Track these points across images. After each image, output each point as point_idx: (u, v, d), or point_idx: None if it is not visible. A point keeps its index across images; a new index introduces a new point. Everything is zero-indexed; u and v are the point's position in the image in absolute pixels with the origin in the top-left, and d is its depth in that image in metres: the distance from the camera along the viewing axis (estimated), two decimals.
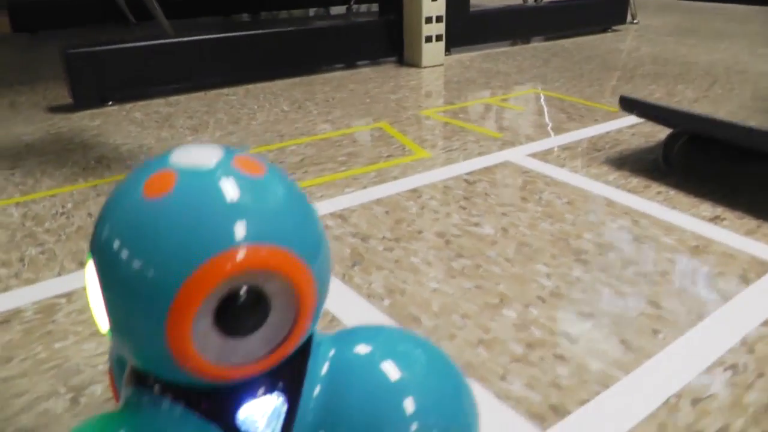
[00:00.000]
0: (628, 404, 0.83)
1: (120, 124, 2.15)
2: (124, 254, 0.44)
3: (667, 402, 0.83)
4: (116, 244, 0.45)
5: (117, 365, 0.71)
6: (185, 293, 0.43)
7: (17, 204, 1.50)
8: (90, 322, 1.02)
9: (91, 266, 0.47)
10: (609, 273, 1.14)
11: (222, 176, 0.47)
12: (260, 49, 2.65)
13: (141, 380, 0.53)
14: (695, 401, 0.83)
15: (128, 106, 2.37)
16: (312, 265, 0.48)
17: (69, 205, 1.49)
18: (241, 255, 0.44)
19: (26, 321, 1.03)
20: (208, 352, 0.46)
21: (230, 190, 0.46)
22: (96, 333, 0.99)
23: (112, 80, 2.37)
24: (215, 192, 0.46)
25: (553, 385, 0.87)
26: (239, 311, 0.46)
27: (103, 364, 0.92)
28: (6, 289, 1.13)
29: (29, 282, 1.15)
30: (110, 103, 2.40)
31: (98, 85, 2.35)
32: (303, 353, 0.55)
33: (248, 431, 0.51)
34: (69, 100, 2.37)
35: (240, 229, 0.44)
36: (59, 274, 1.17)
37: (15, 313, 1.05)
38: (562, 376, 0.89)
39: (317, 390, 0.54)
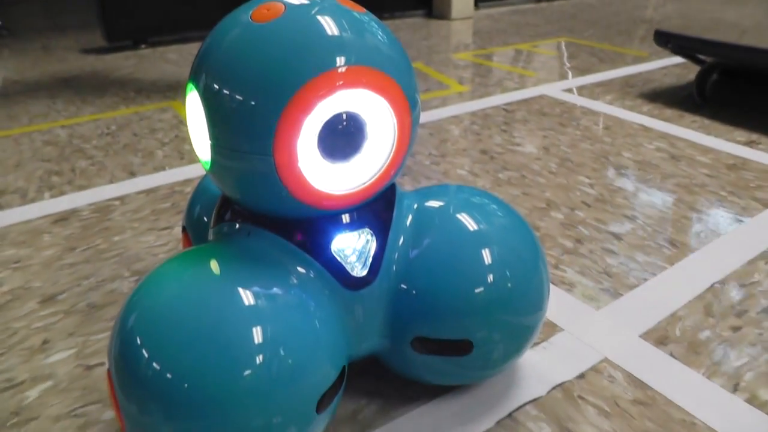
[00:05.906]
0: (675, 289, 0.86)
1: (155, 63, 2.17)
2: (235, 70, 0.47)
3: (711, 287, 0.86)
4: (228, 61, 0.48)
5: (193, 228, 0.74)
6: (294, 106, 0.46)
7: (63, 126, 1.53)
8: (147, 219, 1.05)
9: (193, 96, 0.50)
10: (649, 183, 1.16)
11: (327, 7, 0.50)
12: None
13: (233, 217, 0.56)
14: (740, 286, 0.86)
15: (161, 48, 2.40)
16: (408, 93, 0.51)
17: (113, 127, 1.52)
18: (345, 74, 0.47)
19: (84, 219, 1.06)
20: (310, 174, 0.49)
21: (336, 18, 0.49)
22: (154, 228, 1.02)
23: (146, 22, 2.39)
24: (322, 19, 0.49)
25: (603, 273, 0.89)
26: (340, 134, 0.49)
27: (164, 254, 0.95)
28: (61, 193, 1.16)
29: (82, 188, 1.18)
30: (143, 46, 2.42)
31: (132, 26, 2.37)
32: (389, 202, 0.58)
33: (340, 262, 0.54)
34: (101, 44, 2.40)
35: (346, 52, 0.47)
36: (111, 182, 1.20)
37: (72, 212, 1.08)
38: (611, 265, 0.91)
39: (401, 240, 0.58)
